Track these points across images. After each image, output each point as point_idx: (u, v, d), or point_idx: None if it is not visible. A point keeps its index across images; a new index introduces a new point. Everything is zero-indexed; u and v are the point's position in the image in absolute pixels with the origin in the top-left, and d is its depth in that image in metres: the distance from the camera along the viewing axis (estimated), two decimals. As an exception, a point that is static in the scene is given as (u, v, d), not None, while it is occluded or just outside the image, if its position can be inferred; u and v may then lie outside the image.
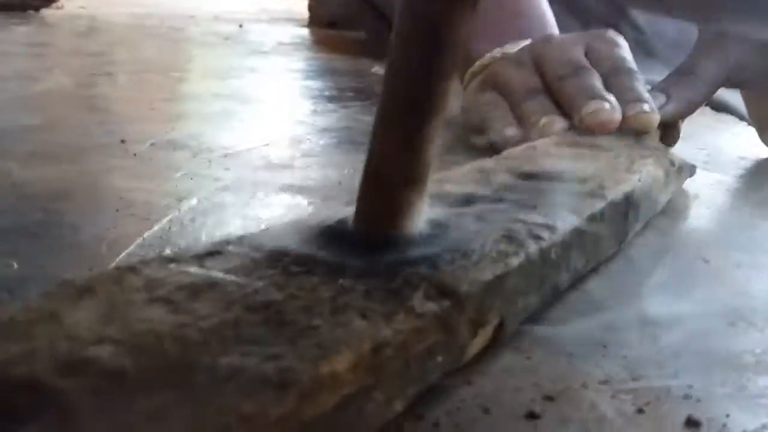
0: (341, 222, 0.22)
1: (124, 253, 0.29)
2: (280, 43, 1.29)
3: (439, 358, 0.19)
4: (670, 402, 0.20)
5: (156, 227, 0.32)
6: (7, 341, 0.14)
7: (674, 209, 0.39)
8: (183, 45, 1.18)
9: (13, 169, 0.39)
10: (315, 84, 0.85)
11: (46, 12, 1.47)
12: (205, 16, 1.80)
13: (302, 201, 0.38)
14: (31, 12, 1.46)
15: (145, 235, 0.31)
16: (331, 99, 0.72)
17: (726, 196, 0.44)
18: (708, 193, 0.44)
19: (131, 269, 0.18)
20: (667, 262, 0.32)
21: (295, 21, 1.75)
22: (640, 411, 0.20)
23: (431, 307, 0.18)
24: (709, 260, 0.32)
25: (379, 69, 0.96)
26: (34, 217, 0.33)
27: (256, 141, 0.50)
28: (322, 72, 0.98)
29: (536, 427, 0.19)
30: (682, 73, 0.50)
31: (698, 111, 0.66)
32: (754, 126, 0.54)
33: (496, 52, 0.56)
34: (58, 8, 1.52)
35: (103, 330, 0.15)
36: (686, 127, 0.59)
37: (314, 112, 0.66)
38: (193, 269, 0.19)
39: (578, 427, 0.19)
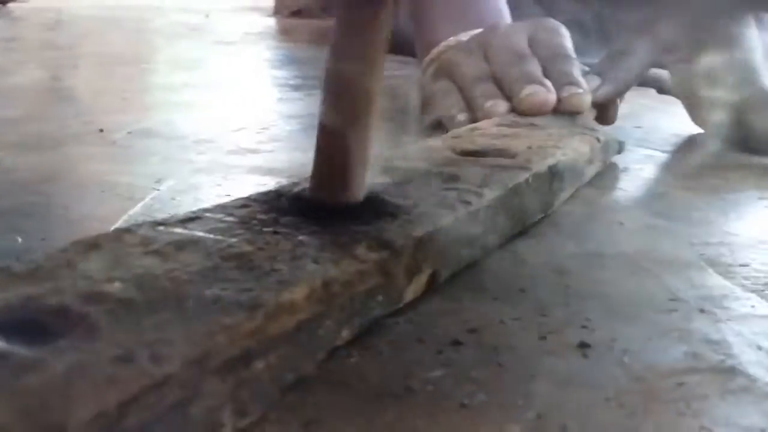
0: (300, 193, 0.27)
1: (112, 228, 0.33)
2: (247, 33, 1.32)
3: (380, 297, 0.23)
4: (569, 331, 0.25)
5: (139, 205, 0.36)
6: (37, 281, 0.19)
7: (602, 181, 0.44)
8: (150, 36, 1.21)
9: (1, 158, 0.43)
10: (281, 73, 0.89)
11: (12, 5, 1.49)
12: (171, 6, 1.82)
13: (270, 181, 0.42)
14: (-1, 5, 1.48)
15: (130, 212, 0.35)
16: (296, 87, 0.76)
17: (652, 169, 0.49)
18: (637, 167, 0.49)
19: (128, 231, 0.23)
20: (587, 226, 0.37)
21: (260, 10, 1.78)
22: (543, 338, 0.24)
23: (372, 256, 0.23)
24: (624, 223, 0.37)
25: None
26: (28, 199, 0.37)
27: (225, 128, 0.55)
28: (288, 61, 1.02)
29: (459, 351, 0.23)
30: (614, 56, 0.55)
31: (640, 93, 0.71)
32: (683, 105, 0.59)
33: (451, 41, 0.61)
34: (24, 2, 1.54)
35: (112, 273, 0.19)
36: (627, 107, 0.65)
37: (280, 99, 0.70)
38: (178, 230, 0.23)
39: (492, 350, 0.24)
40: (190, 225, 0.24)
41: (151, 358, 0.16)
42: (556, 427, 0.20)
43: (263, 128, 0.56)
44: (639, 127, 0.62)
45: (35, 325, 0.17)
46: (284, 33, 1.39)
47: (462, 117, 0.51)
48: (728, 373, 0.23)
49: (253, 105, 0.68)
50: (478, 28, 0.59)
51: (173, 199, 0.37)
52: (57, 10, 1.51)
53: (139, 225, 0.23)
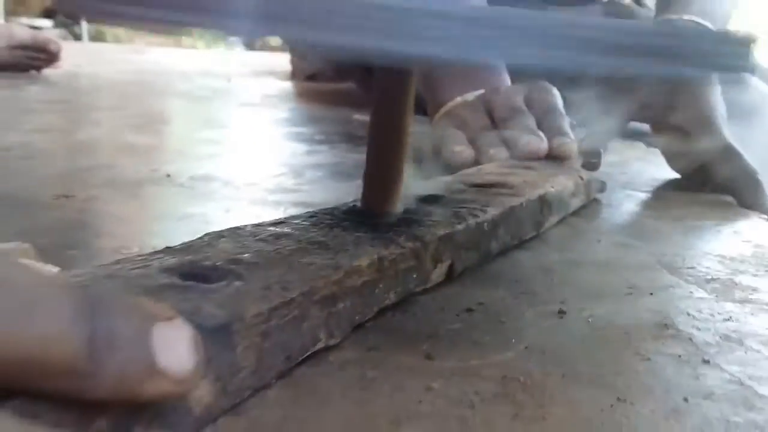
0: (351, 208, 0.37)
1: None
2: (267, 96, 1.44)
3: (414, 275, 0.33)
4: (550, 305, 0.35)
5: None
6: (192, 253, 0.28)
7: (586, 212, 0.54)
8: (182, 99, 1.32)
9: (97, 195, 0.53)
10: (305, 130, 1.00)
11: (46, 71, 1.62)
12: (194, 71, 1.95)
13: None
14: (33, 72, 1.60)
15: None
16: (320, 142, 0.87)
17: (631, 204, 0.60)
18: (618, 203, 0.59)
19: (240, 227, 0.33)
20: (570, 241, 0.46)
21: (277, 74, 1.91)
22: (532, 308, 0.34)
23: (409, 245, 0.33)
24: (600, 240, 0.47)
25: (359, 116, 1.11)
26: (126, 225, 0.47)
27: (267, 174, 0.65)
28: (309, 120, 1.13)
29: (471, 315, 0.33)
30: (598, 111, 0.66)
31: (631, 146, 0.82)
32: (662, 153, 0.69)
33: (458, 99, 0.72)
34: (56, 68, 1.66)
35: (239, 250, 0.29)
36: (617, 157, 0.75)
37: (308, 152, 0.81)
38: (272, 228, 0.33)
39: (494, 314, 0.33)
40: (279, 226, 0.34)
41: (281, 288, 0.25)
42: (538, 353, 0.29)
43: (298, 174, 0.66)
44: (624, 173, 0.73)
45: (200, 276, 0.27)
46: (301, 95, 1.51)
47: (466, 154, 0.61)
48: (663, 328, 0.32)
49: (286, 156, 0.79)
50: (481, 89, 0.70)
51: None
52: (90, 76, 1.64)
53: (245, 225, 0.33)
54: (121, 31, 4.74)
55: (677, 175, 0.70)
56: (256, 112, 1.19)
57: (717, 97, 0.65)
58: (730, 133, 0.65)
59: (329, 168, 0.70)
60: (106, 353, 0.17)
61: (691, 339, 0.31)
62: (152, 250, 0.29)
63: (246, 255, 0.29)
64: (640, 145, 0.93)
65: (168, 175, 0.61)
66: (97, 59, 2.24)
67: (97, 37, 4.37)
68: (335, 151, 0.80)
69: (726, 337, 0.32)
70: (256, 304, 0.24)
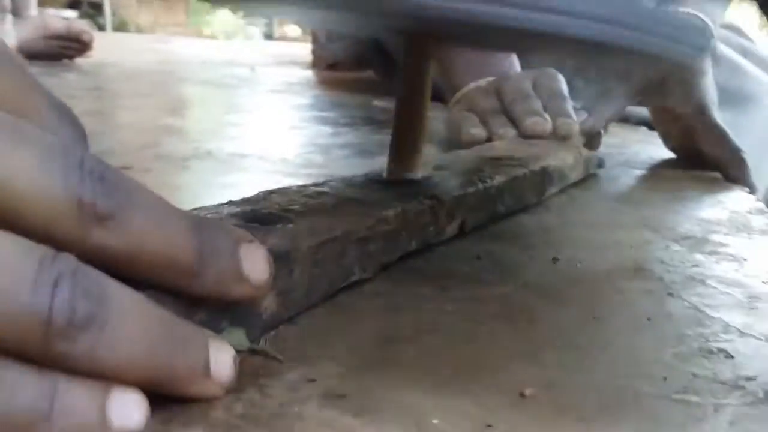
0: (379, 174, 0.43)
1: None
2: (291, 84, 1.51)
3: (431, 229, 0.40)
4: (547, 253, 0.41)
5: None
6: (251, 204, 0.35)
7: (584, 184, 0.61)
8: (210, 86, 1.39)
9: (151, 167, 0.60)
10: (329, 114, 1.06)
11: (79, 60, 1.69)
12: (218, 60, 2.02)
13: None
14: (66, 61, 1.67)
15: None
16: (344, 125, 0.94)
17: (626, 178, 0.66)
18: (614, 177, 0.65)
19: (288, 187, 0.39)
20: (568, 207, 0.53)
21: (299, 64, 1.98)
22: (531, 257, 0.41)
23: (427, 202, 0.39)
24: (594, 207, 0.53)
25: (378, 102, 1.17)
26: (184, 190, 0.54)
27: (299, 151, 0.71)
28: (332, 105, 1.19)
29: (480, 260, 0.39)
30: (598, 96, 0.72)
31: (633, 129, 0.88)
32: (659, 134, 0.75)
33: (471, 85, 0.78)
34: (88, 57, 1.73)
35: (290, 202, 0.36)
36: (619, 139, 0.81)
37: (333, 133, 0.87)
38: (312, 188, 0.39)
39: (498, 260, 0.40)
40: (319, 186, 0.40)
41: (326, 229, 0.32)
42: (532, 287, 0.36)
43: (325, 152, 0.73)
44: (623, 153, 0.79)
45: (259, 219, 0.33)
46: (323, 83, 1.57)
47: (475, 131, 0.67)
48: (639, 271, 0.39)
49: (313, 136, 0.85)
50: (493, 76, 0.77)
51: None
52: (119, 65, 1.71)
53: (291, 186, 0.40)
54: (142, 22, 4.82)
55: (672, 155, 0.76)
56: (282, 98, 1.25)
57: (708, 84, 0.71)
58: (721, 116, 0.71)
59: (354, 147, 0.77)
60: (209, 260, 0.24)
61: (661, 279, 0.38)
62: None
63: (295, 206, 0.35)
64: (643, 129, 0.99)
65: (209, 152, 0.67)
66: (124, 48, 2.31)
67: (119, 28, 4.45)
68: (358, 132, 0.86)
69: (691, 278, 0.38)
70: (308, 239, 0.31)
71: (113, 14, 4.39)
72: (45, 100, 0.24)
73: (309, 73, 1.77)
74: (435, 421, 0.23)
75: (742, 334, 0.31)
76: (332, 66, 1.84)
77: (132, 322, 0.20)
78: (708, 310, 0.33)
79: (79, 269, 0.19)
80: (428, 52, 0.42)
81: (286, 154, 0.70)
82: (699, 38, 0.33)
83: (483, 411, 0.23)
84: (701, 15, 0.76)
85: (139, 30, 4.46)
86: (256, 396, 0.24)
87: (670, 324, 0.32)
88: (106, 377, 0.20)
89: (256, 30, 6.85)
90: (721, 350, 0.29)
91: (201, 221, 0.24)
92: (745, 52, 1.13)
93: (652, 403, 0.25)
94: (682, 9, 0.76)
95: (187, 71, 1.67)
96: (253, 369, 0.26)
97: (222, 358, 0.24)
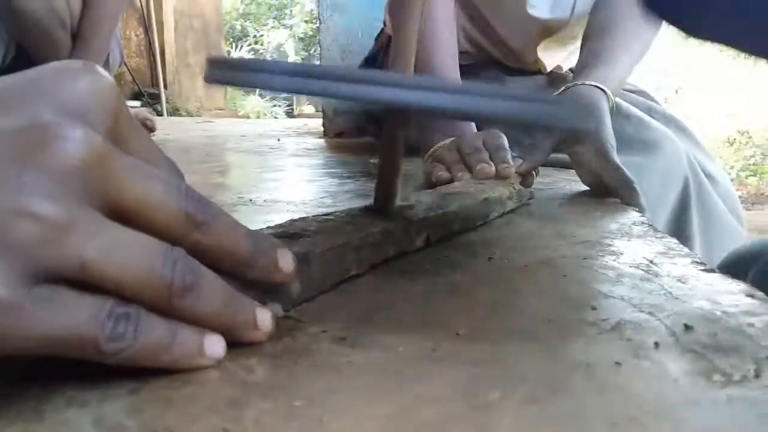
0: (368, 207, 0.50)
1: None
2: (307, 149, 1.58)
3: (405, 241, 0.46)
4: (483, 256, 0.47)
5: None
6: (283, 228, 0.42)
7: (519, 210, 0.67)
8: (248, 154, 1.47)
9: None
10: (336, 170, 1.14)
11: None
12: (252, 133, 2.11)
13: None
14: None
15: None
16: (348, 177, 1.01)
17: (550, 205, 0.72)
18: (541, 205, 0.72)
19: (307, 216, 0.46)
20: (504, 227, 0.59)
21: (314, 134, 2.06)
22: (490, 259, 0.47)
23: (401, 223, 0.46)
24: (523, 225, 0.60)
25: (374, 160, 1.25)
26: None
27: (313, 197, 0.78)
28: (339, 164, 1.26)
29: (439, 262, 0.46)
30: (530, 147, 0.79)
31: (562, 171, 0.94)
32: (576, 173, 0.82)
33: (440, 144, 0.86)
34: (153, 137, 1.81)
35: (308, 224, 0.42)
36: (551, 179, 0.88)
37: (340, 183, 0.94)
38: (322, 217, 0.46)
39: (452, 261, 0.46)
40: (328, 216, 0.47)
41: (333, 235, 0.39)
42: (471, 275, 0.42)
43: (334, 197, 0.80)
44: (552, 188, 0.86)
45: (288, 236, 0.40)
46: (333, 148, 1.65)
47: (444, 176, 0.75)
48: (546, 262, 0.45)
49: (325, 186, 0.92)
50: (455, 135, 0.84)
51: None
52: (176, 140, 1.79)
53: (308, 216, 0.46)
54: (191, 107, 4.94)
55: (586, 188, 0.82)
56: (302, 160, 1.33)
57: (608, 134, 0.78)
58: (626, 159, 0.78)
59: (354, 192, 0.83)
60: (258, 257, 0.31)
61: (562, 267, 0.44)
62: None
63: (311, 227, 0.42)
64: (569, 171, 1.06)
65: (250, 199, 0.74)
66: (179, 129, 2.40)
67: (173, 113, 4.56)
68: (358, 182, 0.94)
69: (581, 266, 0.44)
70: (320, 247, 0.37)
71: (167, 102, 4.52)
72: (161, 155, 0.31)
73: (321, 141, 1.85)
74: (401, 349, 0.29)
75: (606, 296, 0.37)
76: (339, 134, 1.93)
77: (215, 291, 0.27)
78: (587, 283, 0.40)
79: (186, 256, 0.26)
80: (401, 123, 0.49)
81: (305, 198, 0.76)
82: (583, 117, 0.37)
83: (431, 342, 0.30)
84: (599, 87, 0.83)
85: (189, 114, 4.58)
86: (289, 340, 0.31)
87: (562, 292, 0.38)
88: (200, 324, 0.27)
89: (280, 110, 7.02)
90: (591, 306, 0.35)
91: (253, 232, 0.31)
92: (651, 111, 1.21)
93: (543, 333, 0.31)
94: (588, 82, 0.83)
95: (229, 143, 1.75)
96: (286, 327, 0.32)
97: (265, 317, 0.30)
